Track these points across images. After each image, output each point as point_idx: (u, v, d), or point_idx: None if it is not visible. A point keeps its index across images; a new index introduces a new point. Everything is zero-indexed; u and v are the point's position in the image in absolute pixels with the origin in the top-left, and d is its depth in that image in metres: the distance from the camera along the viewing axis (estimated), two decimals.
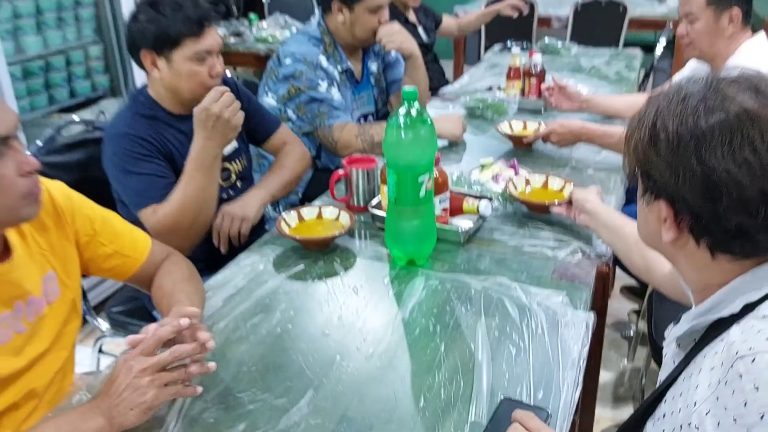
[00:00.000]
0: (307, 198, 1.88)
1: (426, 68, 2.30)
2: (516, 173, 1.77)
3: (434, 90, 2.81)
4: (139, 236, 1.28)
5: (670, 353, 0.92)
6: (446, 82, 3.28)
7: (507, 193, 1.62)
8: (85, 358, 1.76)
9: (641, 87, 3.62)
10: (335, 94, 2.09)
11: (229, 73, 1.97)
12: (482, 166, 1.82)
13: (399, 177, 1.30)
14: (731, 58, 1.91)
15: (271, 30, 4.07)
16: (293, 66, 2.06)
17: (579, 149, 1.99)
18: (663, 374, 0.93)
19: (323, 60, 2.10)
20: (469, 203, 1.50)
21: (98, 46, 2.93)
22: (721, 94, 0.74)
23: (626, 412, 2.10)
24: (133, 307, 1.87)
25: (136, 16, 1.51)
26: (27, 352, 1.09)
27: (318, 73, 2.07)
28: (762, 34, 1.97)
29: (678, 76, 2.20)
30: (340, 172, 1.65)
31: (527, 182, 1.67)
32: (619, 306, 2.52)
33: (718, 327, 0.79)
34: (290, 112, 2.08)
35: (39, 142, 1.75)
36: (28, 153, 1.01)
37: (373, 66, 2.33)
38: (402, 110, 1.27)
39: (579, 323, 1.18)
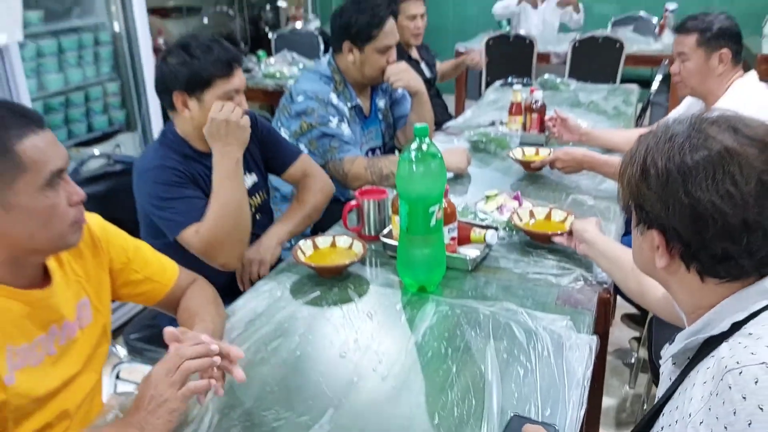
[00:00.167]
0: (319, 228, 1.96)
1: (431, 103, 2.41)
2: (519, 204, 1.85)
3: (438, 124, 2.91)
4: (167, 263, 1.35)
5: (667, 371, 0.99)
6: (449, 117, 3.38)
7: (512, 224, 1.70)
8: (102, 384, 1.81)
9: (638, 121, 3.73)
10: (345, 129, 2.18)
11: None
12: (487, 197, 1.90)
13: (411, 207, 1.38)
14: (723, 97, 2.01)
15: (278, 66, 4.21)
16: (305, 103, 2.16)
17: (580, 182, 2.09)
18: (660, 391, 1.00)
19: (334, 97, 2.20)
20: (476, 233, 1.58)
21: (115, 83, 3.05)
22: (703, 134, 0.83)
23: None
24: (150, 333, 1.93)
25: (166, 59, 1.58)
26: (59, 374, 1.15)
27: (329, 110, 2.16)
28: (753, 73, 2.07)
29: (674, 113, 2.30)
30: (353, 202, 1.73)
31: (531, 214, 1.75)
32: (620, 334, 2.58)
33: (709, 345, 0.86)
34: (302, 147, 2.17)
35: None
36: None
37: (381, 102, 2.43)
38: (414, 145, 1.36)
39: (583, 346, 1.25)
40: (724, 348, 0.82)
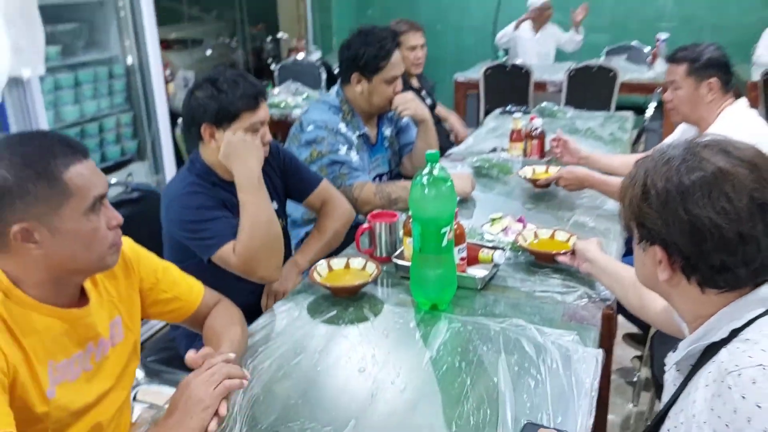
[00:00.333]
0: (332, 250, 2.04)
1: None
2: (524, 226, 1.93)
3: (441, 151, 3.00)
4: (194, 283, 1.42)
5: (671, 378, 1.06)
6: (451, 144, 3.48)
7: (517, 245, 1.78)
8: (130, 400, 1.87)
9: (634, 147, 3.84)
10: (354, 156, 2.27)
11: None
12: (492, 220, 1.98)
13: (423, 229, 1.45)
14: (714, 124, 2.11)
15: (283, 96, 4.32)
16: (315, 132, 2.24)
17: (581, 205, 2.18)
18: (665, 396, 1.06)
19: (342, 126, 2.29)
20: (484, 253, 1.66)
21: (128, 114, 3.16)
22: (698, 157, 0.91)
23: None
24: (166, 356, 1.98)
25: (194, 93, 1.67)
26: (94, 389, 1.21)
27: (338, 138, 2.25)
28: (743, 100, 2.17)
29: (669, 140, 2.40)
30: (365, 225, 1.81)
31: (535, 235, 1.83)
32: (623, 353, 2.64)
33: (710, 351, 0.94)
34: None
35: None
36: None
37: (387, 131, 2.53)
38: (426, 170, 1.44)
39: (589, 359, 1.31)
40: (723, 353, 0.90)
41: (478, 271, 1.65)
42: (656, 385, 1.88)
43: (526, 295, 1.60)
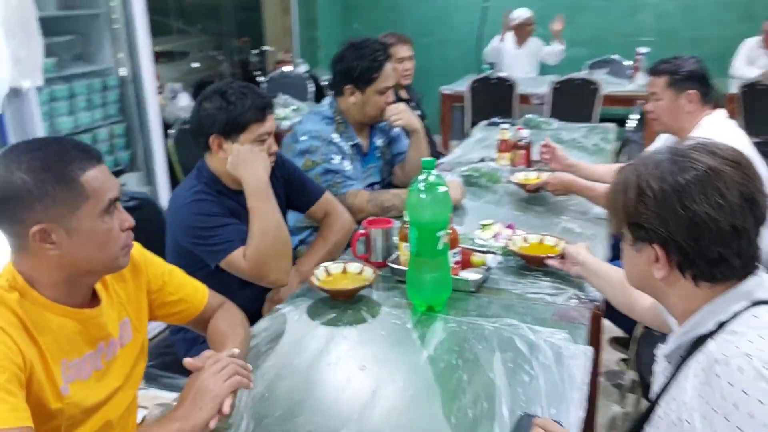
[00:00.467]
0: None
1: None
2: (513, 232, 2.00)
3: None
4: (199, 285, 1.47)
5: (661, 369, 1.13)
6: (440, 154, 3.55)
7: (508, 249, 1.84)
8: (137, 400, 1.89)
9: (617, 157, 3.93)
10: (347, 166, 2.33)
11: None
12: (483, 226, 2.04)
13: (420, 233, 1.51)
14: (693, 133, 2.19)
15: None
16: (309, 142, 2.30)
17: (568, 210, 2.27)
18: (655, 387, 1.13)
19: (336, 137, 2.35)
20: (476, 257, 1.72)
21: (122, 125, 3.19)
22: (688, 158, 0.98)
23: None
24: (165, 361, 2.01)
25: (202, 104, 1.71)
26: (105, 388, 1.25)
27: (331, 148, 2.31)
28: (721, 111, 2.26)
29: (650, 149, 2.49)
30: (361, 231, 1.86)
31: (525, 240, 1.90)
32: (609, 357, 2.71)
33: (699, 343, 1.00)
34: None
35: None
36: None
37: (379, 141, 2.59)
38: (422, 177, 1.50)
39: (580, 355, 1.38)
40: (711, 344, 0.96)
41: (471, 275, 1.71)
42: (643, 384, 1.95)
43: (517, 296, 1.66)
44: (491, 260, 1.69)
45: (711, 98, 2.27)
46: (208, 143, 1.73)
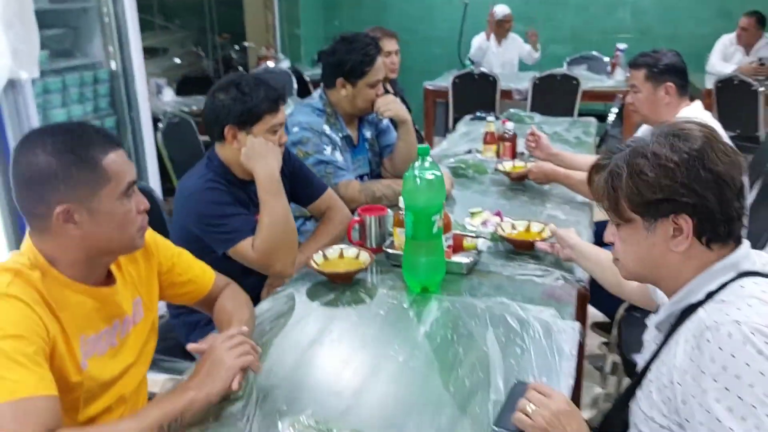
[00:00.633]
0: None
1: None
2: (501, 219, 2.08)
3: None
4: (206, 267, 1.53)
5: (651, 338, 1.21)
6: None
7: (497, 235, 1.93)
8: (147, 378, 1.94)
9: (597, 150, 4.05)
10: (338, 156, 2.39)
11: None
12: (472, 214, 2.13)
13: (416, 217, 1.59)
14: None
15: None
16: (301, 133, 2.36)
17: (553, 198, 2.37)
18: (646, 354, 1.20)
19: (326, 128, 2.41)
20: (468, 241, 1.80)
21: (112, 118, 3.22)
22: (684, 130, 1.06)
23: None
24: (166, 345, 2.04)
25: (216, 95, 1.76)
26: (119, 363, 1.31)
27: (323, 139, 2.37)
28: (698, 102, 2.38)
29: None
30: (356, 218, 1.94)
31: (513, 227, 1.98)
32: (591, 341, 2.81)
33: (689, 312, 1.07)
34: None
35: None
36: None
37: (368, 133, 2.66)
38: (417, 163, 1.58)
39: (568, 329, 1.47)
40: (701, 312, 1.04)
41: (463, 258, 1.79)
42: (625, 363, 2.05)
43: (507, 278, 1.75)
44: (482, 244, 1.78)
45: (688, 91, 2.38)
46: (223, 133, 1.78)
